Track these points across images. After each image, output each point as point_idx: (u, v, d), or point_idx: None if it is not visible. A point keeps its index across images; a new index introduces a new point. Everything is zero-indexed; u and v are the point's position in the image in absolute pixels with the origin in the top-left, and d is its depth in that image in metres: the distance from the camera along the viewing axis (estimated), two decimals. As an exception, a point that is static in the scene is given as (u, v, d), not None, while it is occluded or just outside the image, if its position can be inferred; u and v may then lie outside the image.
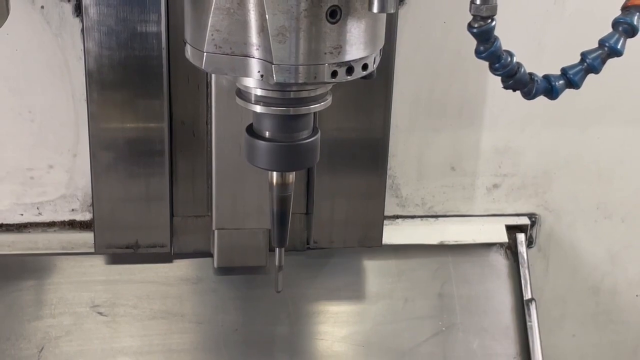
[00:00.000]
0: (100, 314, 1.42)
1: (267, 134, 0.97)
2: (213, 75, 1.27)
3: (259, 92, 0.93)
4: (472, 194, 1.55)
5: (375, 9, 0.80)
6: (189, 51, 0.95)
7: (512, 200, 1.56)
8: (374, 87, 1.34)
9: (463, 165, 1.52)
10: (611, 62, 0.93)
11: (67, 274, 1.45)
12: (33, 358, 1.39)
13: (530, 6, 1.40)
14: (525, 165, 1.54)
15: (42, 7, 1.31)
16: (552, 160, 1.54)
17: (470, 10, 0.83)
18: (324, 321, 1.49)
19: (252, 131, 0.98)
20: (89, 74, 1.28)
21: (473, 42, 0.87)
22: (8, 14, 1.00)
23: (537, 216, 1.57)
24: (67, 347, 1.40)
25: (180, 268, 1.47)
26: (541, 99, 0.93)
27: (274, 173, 1.02)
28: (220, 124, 1.30)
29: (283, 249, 1.11)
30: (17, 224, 1.46)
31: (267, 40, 0.85)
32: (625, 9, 0.89)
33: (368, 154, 1.41)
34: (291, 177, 1.03)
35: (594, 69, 0.91)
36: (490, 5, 0.82)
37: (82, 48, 1.29)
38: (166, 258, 1.45)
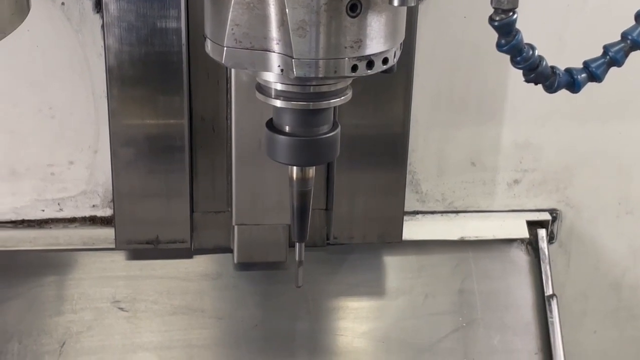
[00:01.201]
0: (121, 309, 1.43)
1: (287, 128, 0.97)
2: (233, 71, 1.27)
3: (279, 86, 0.94)
4: (492, 189, 1.54)
5: (395, 3, 0.80)
6: (209, 46, 0.95)
7: (532, 196, 1.56)
8: (394, 82, 1.34)
9: (483, 160, 1.52)
10: (634, 55, 0.92)
11: (88, 270, 1.46)
12: (55, 353, 1.40)
13: (552, 0, 1.39)
14: (545, 160, 1.53)
15: (63, 3, 1.31)
16: (573, 156, 1.54)
17: (491, 4, 0.83)
18: (344, 317, 1.50)
19: (272, 126, 0.99)
20: (109, 71, 1.29)
21: (494, 36, 0.86)
22: (29, 10, 1.01)
23: (558, 212, 1.56)
24: (89, 342, 1.42)
25: (201, 264, 1.47)
26: (562, 93, 0.93)
27: (294, 168, 1.02)
28: (240, 119, 1.31)
29: (303, 244, 1.11)
30: (38, 220, 1.47)
31: (287, 35, 0.86)
32: None
33: (388, 149, 1.41)
34: (311, 172, 1.03)
35: (617, 62, 0.90)
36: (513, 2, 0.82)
37: (103, 44, 1.29)
38: (186, 254, 1.46)
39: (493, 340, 1.48)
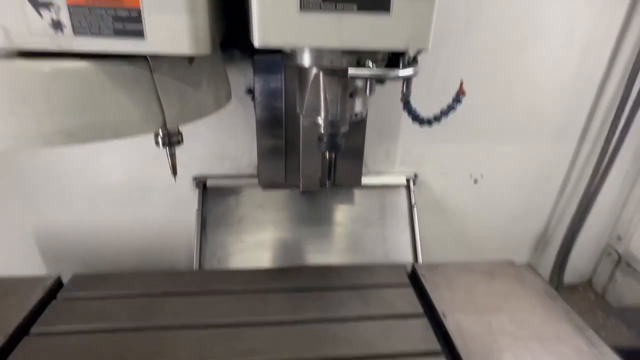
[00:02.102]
0: (261, 207, 1.47)
1: (325, 139, 0.99)
2: (302, 118, 1.27)
3: (323, 124, 0.96)
4: (393, 165, 1.54)
5: (368, 93, 0.81)
6: (298, 109, 0.97)
7: (409, 167, 1.55)
8: (360, 126, 1.34)
9: (390, 155, 1.52)
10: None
11: (249, 193, 1.48)
12: (237, 222, 1.43)
13: (427, 88, 1.32)
14: (414, 154, 1.52)
15: (240, 98, 1.34)
16: (424, 153, 1.52)
17: (400, 93, 0.83)
18: (338, 211, 1.51)
19: (319, 138, 1.00)
20: (257, 122, 1.30)
21: (400, 105, 0.91)
22: (230, 97, 1.05)
23: (417, 173, 1.57)
24: (248, 218, 1.44)
25: (288, 191, 1.49)
26: (425, 129, 0.96)
27: (327, 152, 1.04)
28: (304, 139, 1.32)
29: (329, 181, 1.16)
30: (231, 175, 1.48)
31: (327, 105, 0.89)
32: (458, 93, 0.93)
33: (356, 151, 1.41)
34: (333, 154, 1.06)
35: (446, 115, 0.94)
36: (409, 92, 0.82)
37: (254, 113, 1.31)
38: (283, 187, 1.47)
39: (392, 221, 1.50)
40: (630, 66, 1.45)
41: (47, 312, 1.03)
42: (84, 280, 1.15)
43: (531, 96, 1.48)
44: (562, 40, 1.40)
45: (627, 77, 1.47)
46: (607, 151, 1.56)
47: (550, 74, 1.45)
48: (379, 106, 1.41)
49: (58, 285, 1.14)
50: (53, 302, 1.07)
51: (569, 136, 1.59)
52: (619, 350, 1.01)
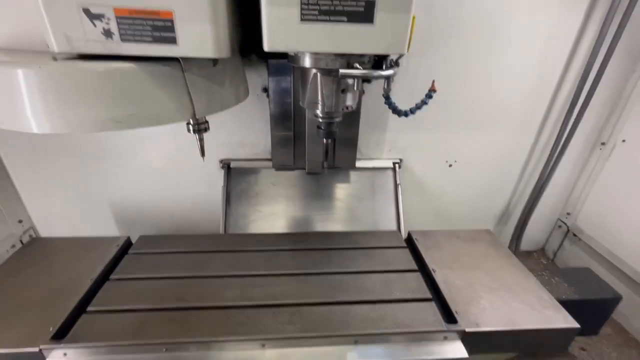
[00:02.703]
0: (274, 185, 1.48)
1: (322, 127, 0.98)
2: (307, 112, 1.27)
3: (320, 114, 0.95)
4: (382, 152, 1.53)
5: (356, 89, 0.82)
6: (301, 102, 0.96)
7: (395, 154, 1.54)
8: (354, 116, 1.33)
9: (380, 144, 1.51)
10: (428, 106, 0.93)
11: (264, 174, 1.48)
12: (255, 196, 1.44)
13: (410, 90, 1.36)
14: (400, 143, 1.51)
15: (257, 94, 1.33)
16: (408, 142, 1.52)
17: (383, 90, 0.84)
18: (337, 188, 1.50)
19: (318, 127, 0.99)
20: (271, 116, 1.30)
21: (382, 100, 0.88)
22: (248, 94, 1.04)
23: (402, 159, 1.56)
24: (264, 193, 1.45)
25: (296, 172, 1.48)
26: (403, 119, 0.96)
27: (324, 139, 1.03)
28: (310, 129, 1.31)
29: (326, 162, 1.16)
30: (249, 159, 1.48)
31: (323, 99, 0.88)
32: (430, 90, 0.91)
33: (351, 140, 1.40)
34: (330, 140, 1.04)
35: (419, 108, 0.93)
36: (389, 89, 0.82)
37: (269, 106, 1.31)
38: (291, 169, 1.47)
39: (380, 197, 1.49)
40: (582, 71, 1.44)
41: (122, 263, 1.11)
42: (148, 240, 1.21)
43: (498, 95, 1.47)
44: (525, 48, 1.39)
45: (578, 79, 1.45)
46: (559, 141, 1.56)
47: (515, 77, 1.44)
48: (371, 105, 1.40)
49: (128, 244, 1.21)
50: (126, 256, 1.14)
51: (529, 128, 1.58)
52: (560, 302, 1.03)
